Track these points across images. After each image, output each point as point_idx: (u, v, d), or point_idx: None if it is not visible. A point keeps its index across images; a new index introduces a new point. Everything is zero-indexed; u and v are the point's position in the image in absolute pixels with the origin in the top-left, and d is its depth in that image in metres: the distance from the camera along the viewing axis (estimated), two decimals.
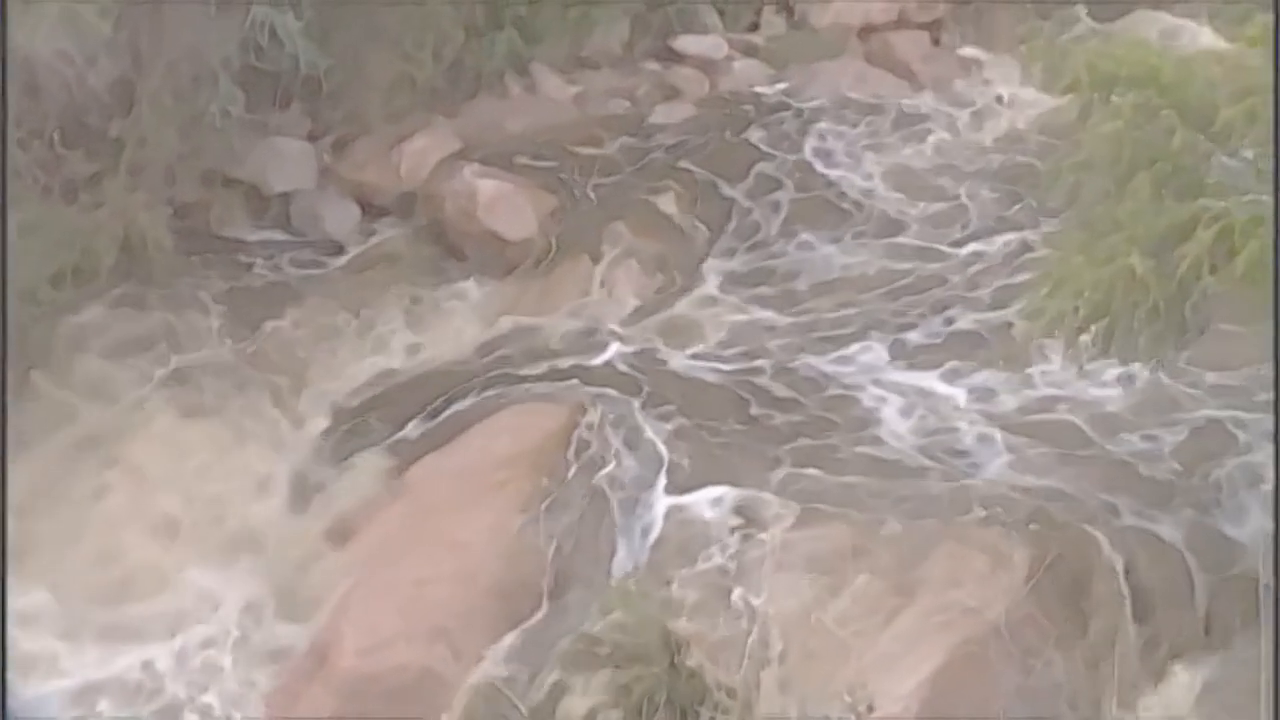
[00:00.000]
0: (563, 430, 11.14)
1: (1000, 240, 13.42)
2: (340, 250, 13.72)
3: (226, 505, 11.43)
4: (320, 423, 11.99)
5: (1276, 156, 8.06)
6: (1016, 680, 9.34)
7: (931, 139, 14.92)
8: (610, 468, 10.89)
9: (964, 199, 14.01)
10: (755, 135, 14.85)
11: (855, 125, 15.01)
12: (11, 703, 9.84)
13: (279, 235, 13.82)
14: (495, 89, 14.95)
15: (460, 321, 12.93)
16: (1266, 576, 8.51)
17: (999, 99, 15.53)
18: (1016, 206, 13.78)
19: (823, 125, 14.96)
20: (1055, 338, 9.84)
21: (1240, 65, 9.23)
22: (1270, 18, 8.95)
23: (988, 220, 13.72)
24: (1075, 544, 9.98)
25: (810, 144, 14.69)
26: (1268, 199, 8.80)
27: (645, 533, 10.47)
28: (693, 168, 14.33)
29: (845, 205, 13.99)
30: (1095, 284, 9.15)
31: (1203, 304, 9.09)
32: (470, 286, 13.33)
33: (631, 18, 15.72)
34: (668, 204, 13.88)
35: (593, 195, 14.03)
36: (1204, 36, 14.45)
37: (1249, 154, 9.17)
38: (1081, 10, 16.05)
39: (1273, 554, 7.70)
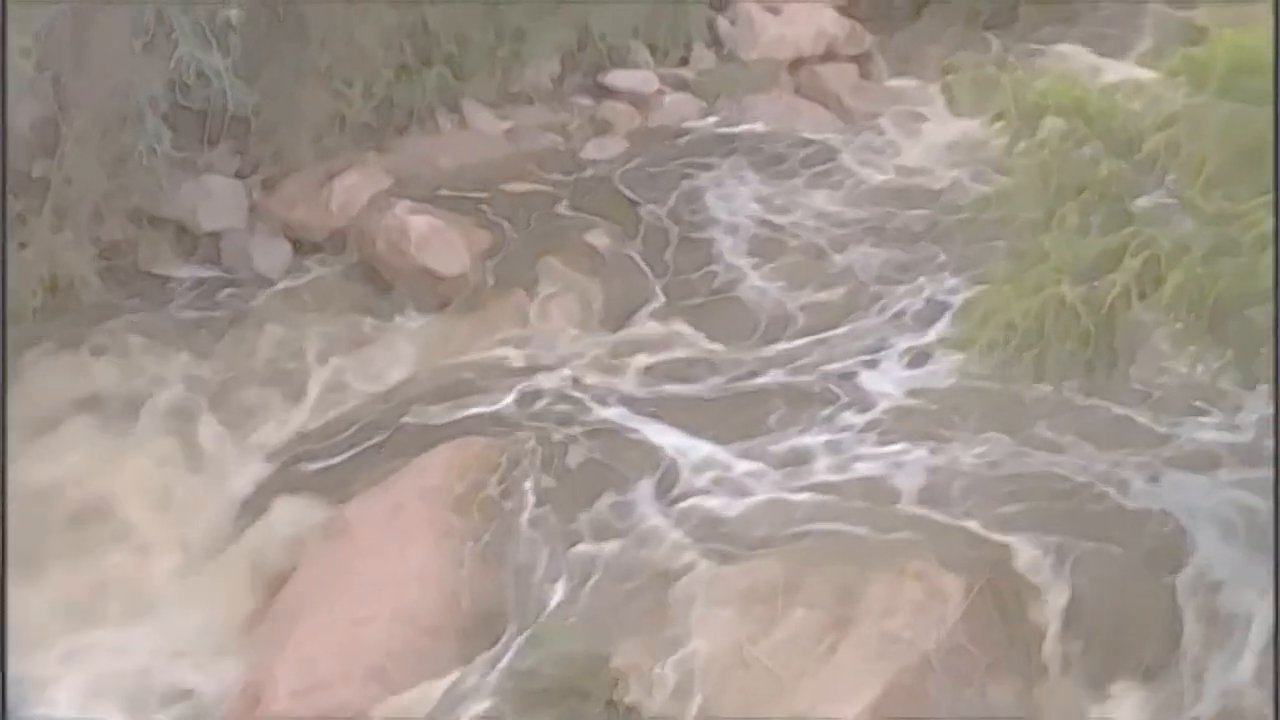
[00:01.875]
0: (498, 466, 11.07)
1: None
2: (271, 287, 13.60)
3: (155, 546, 11.26)
4: (252, 461, 11.87)
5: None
6: (954, 710, 9.33)
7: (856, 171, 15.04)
8: (546, 504, 10.82)
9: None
10: (688, 169, 14.90)
11: (782, 161, 15.09)
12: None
13: (209, 272, 13.73)
14: (426, 125, 14.92)
15: (393, 358, 12.87)
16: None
17: (923, 128, 15.65)
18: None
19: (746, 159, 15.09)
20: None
21: (1161, 96, 9.38)
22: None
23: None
24: (1006, 569, 9.99)
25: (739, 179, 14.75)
26: (1192, 227, 8.94)
27: (581, 568, 10.39)
28: (631, 199, 14.38)
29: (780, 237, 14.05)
30: (1025, 313, 9.23)
31: (1132, 331, 9.20)
32: (403, 323, 13.28)
33: (562, 54, 15.76)
34: (601, 238, 13.89)
35: (526, 230, 14.02)
36: (1124, 71, 14.65)
37: (1172, 182, 9.29)
38: (995, 43, 16.27)
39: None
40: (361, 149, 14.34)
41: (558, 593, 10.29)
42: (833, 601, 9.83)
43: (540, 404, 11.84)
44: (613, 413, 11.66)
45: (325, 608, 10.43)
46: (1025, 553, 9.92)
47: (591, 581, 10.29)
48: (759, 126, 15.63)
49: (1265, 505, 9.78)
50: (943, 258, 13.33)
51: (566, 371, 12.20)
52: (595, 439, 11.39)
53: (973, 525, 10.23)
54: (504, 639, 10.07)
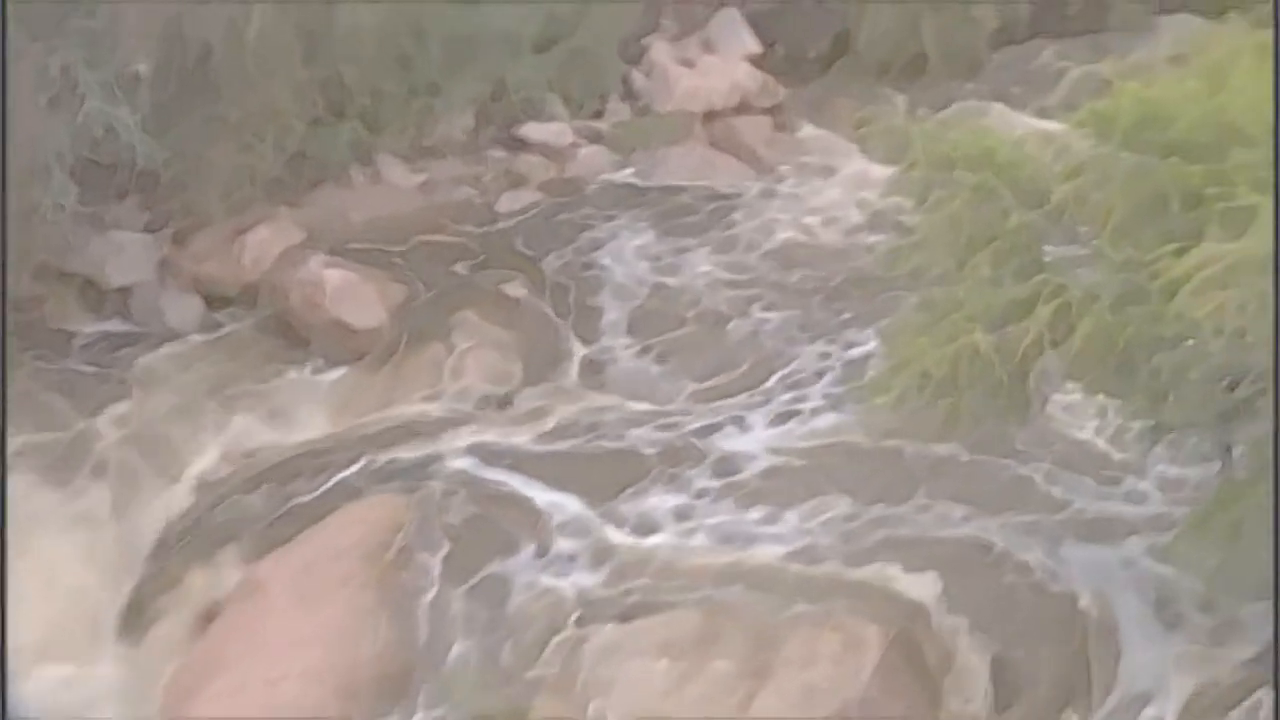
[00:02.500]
0: (411, 522, 10.98)
1: None
2: (182, 341, 13.43)
3: (69, 603, 11.09)
4: (163, 518, 11.68)
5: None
6: None
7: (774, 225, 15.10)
8: (453, 561, 10.74)
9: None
10: (599, 221, 14.94)
11: (691, 212, 15.16)
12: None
13: (118, 327, 13.54)
14: (339, 179, 14.84)
15: (307, 413, 12.72)
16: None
17: (834, 180, 15.77)
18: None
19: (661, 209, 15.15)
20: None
21: (1068, 146, 9.50)
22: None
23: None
24: (922, 617, 10.05)
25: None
26: (1101, 275, 9.05)
27: (489, 624, 10.33)
28: (530, 254, 14.38)
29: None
30: (939, 361, 9.28)
31: (1044, 379, 9.27)
32: (317, 378, 13.16)
33: (476, 106, 15.75)
34: (517, 290, 13.86)
35: (441, 283, 13.96)
36: (1032, 123, 14.84)
37: (1081, 232, 9.41)
38: (905, 96, 16.46)
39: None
40: (274, 203, 14.23)
41: (469, 649, 10.20)
42: (751, 652, 9.82)
43: (447, 462, 11.73)
44: (513, 478, 11.53)
45: (238, 667, 10.26)
46: (934, 609, 10.05)
47: (499, 637, 10.23)
48: (669, 180, 15.73)
49: (1170, 573, 10.00)
50: (847, 315, 13.36)
51: (472, 429, 12.11)
52: (494, 498, 11.31)
53: (872, 579, 10.33)
54: (417, 697, 9.98)
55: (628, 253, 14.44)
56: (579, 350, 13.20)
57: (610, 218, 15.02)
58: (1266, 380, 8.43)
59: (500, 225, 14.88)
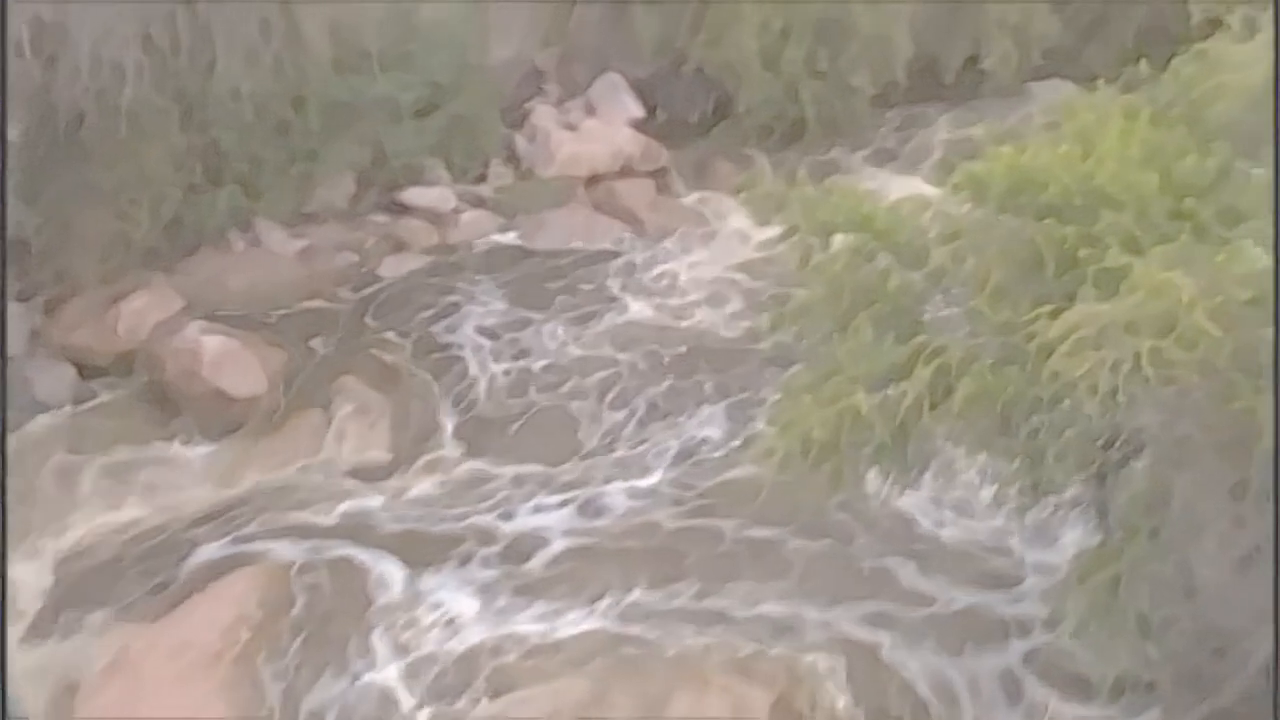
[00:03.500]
0: (286, 594, 10.82)
1: None
2: (55, 414, 13.09)
3: None
4: (32, 596, 11.33)
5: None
6: None
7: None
8: (336, 629, 10.58)
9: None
10: (481, 287, 14.87)
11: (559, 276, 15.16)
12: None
13: None
14: (218, 245, 14.67)
15: (183, 484, 12.44)
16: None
17: (715, 244, 15.83)
18: None
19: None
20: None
21: (946, 210, 9.60)
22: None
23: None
24: (805, 680, 10.06)
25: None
26: (982, 339, 9.13)
27: (367, 692, 10.15)
28: (414, 317, 14.30)
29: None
30: (823, 423, 9.28)
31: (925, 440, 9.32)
32: (194, 447, 12.88)
33: (357, 172, 15.66)
34: (397, 355, 13.73)
35: (322, 349, 13.80)
36: (910, 186, 15.03)
37: (960, 293, 9.49)
38: (781, 164, 16.60)
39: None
40: (149, 270, 14.00)
41: None
42: (640, 715, 9.74)
43: (318, 537, 11.57)
44: (379, 556, 11.37)
45: None
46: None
47: (385, 706, 10.07)
48: (552, 243, 15.71)
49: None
50: (708, 388, 13.23)
51: (347, 502, 11.95)
52: (359, 572, 11.17)
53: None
54: None
55: (489, 321, 14.37)
56: (450, 420, 13.08)
57: (476, 282, 14.98)
58: (1144, 437, 8.57)
59: (383, 290, 14.74)
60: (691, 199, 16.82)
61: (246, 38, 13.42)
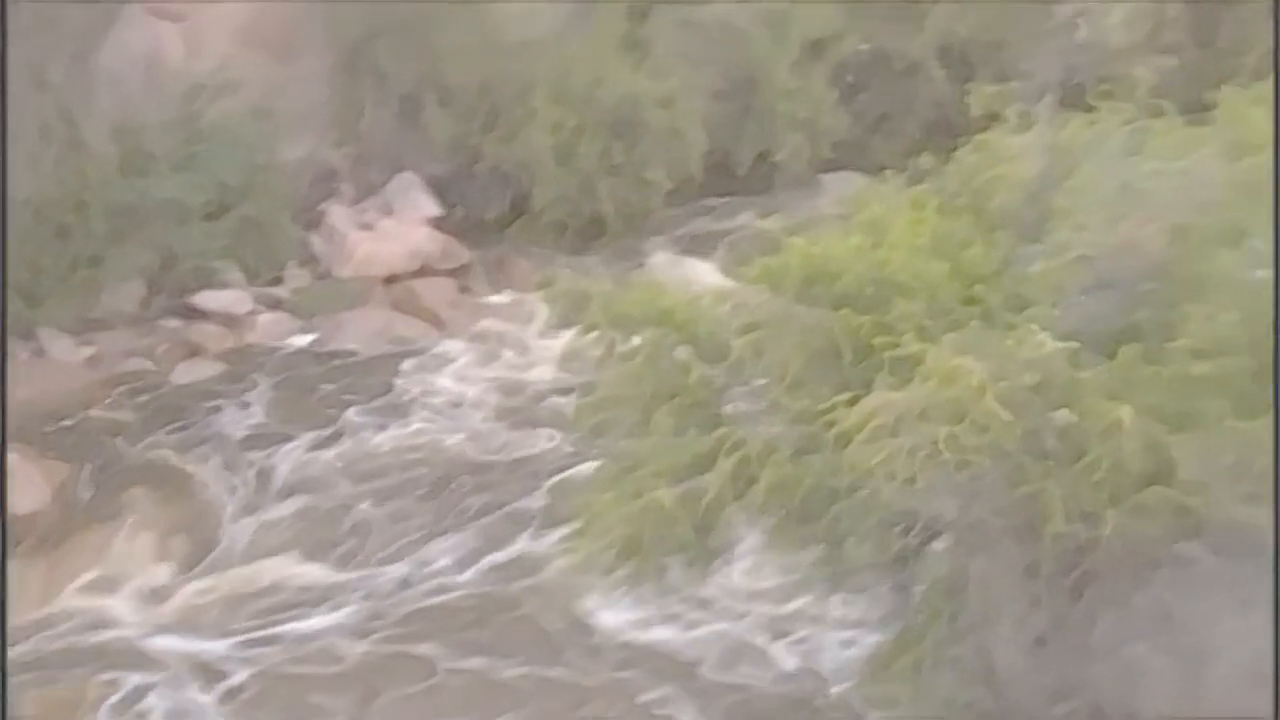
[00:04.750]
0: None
1: None
2: None
3: None
4: None
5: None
6: None
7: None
8: None
9: None
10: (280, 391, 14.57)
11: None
12: None
13: None
14: None
15: None
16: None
17: (514, 344, 15.73)
18: None
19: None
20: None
21: (745, 302, 9.67)
22: None
23: None
24: None
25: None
26: (779, 427, 9.19)
27: None
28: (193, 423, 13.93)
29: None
30: (626, 519, 9.22)
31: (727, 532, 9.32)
32: None
33: (146, 276, 15.26)
34: (191, 465, 13.32)
35: (109, 460, 13.31)
36: (710, 278, 15.14)
37: (759, 385, 9.55)
38: (597, 261, 16.65)
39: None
40: None
41: None
42: None
43: (126, 645, 11.15)
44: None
45: None
46: None
47: None
48: (349, 344, 15.44)
49: None
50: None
51: (131, 622, 11.46)
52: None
53: None
54: None
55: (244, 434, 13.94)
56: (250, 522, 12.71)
57: (255, 387, 14.67)
58: (941, 523, 8.68)
59: (177, 396, 14.33)
60: (493, 298, 16.71)
61: (26, 143, 13.04)
